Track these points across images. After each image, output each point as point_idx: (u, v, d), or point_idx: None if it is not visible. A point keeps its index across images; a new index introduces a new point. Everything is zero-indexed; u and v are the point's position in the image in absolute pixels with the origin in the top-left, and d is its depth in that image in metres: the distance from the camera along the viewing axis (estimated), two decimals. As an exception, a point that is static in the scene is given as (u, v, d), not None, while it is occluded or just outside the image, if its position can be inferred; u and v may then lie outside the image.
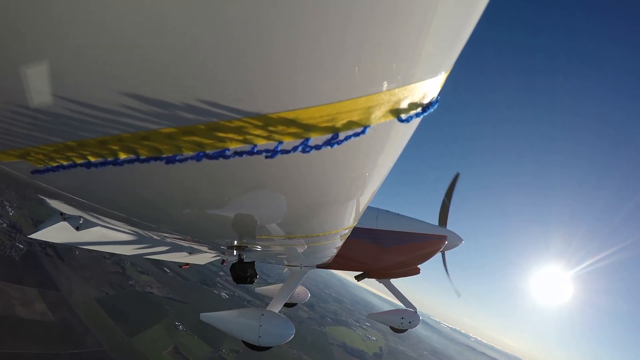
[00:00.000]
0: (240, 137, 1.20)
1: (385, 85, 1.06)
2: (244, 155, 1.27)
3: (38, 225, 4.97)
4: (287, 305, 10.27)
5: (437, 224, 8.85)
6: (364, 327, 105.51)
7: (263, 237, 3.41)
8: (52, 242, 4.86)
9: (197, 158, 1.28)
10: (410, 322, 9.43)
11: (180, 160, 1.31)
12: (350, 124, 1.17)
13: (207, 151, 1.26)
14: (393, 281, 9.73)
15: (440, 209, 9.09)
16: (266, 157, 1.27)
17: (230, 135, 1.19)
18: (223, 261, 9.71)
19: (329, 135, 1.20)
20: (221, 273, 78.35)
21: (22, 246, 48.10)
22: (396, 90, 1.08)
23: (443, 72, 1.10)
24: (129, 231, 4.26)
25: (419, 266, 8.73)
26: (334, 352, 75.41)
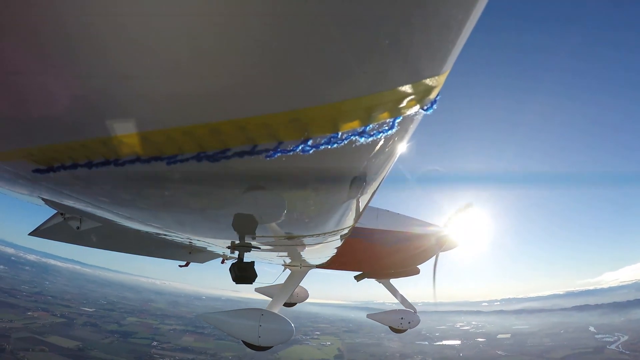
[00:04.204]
0: (241, 137, 1.20)
1: (385, 85, 1.07)
2: (244, 156, 1.27)
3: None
4: (286, 304, 10.22)
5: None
6: (315, 337, 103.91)
7: (263, 236, 3.43)
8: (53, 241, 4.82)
9: (198, 158, 1.29)
10: (409, 322, 9.47)
11: (181, 161, 1.31)
12: (350, 124, 1.17)
13: (208, 151, 1.26)
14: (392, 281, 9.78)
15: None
16: (266, 156, 1.27)
17: (230, 135, 1.20)
18: (223, 260, 9.68)
19: (329, 135, 1.20)
20: (154, 343, 78.06)
21: None
22: (395, 90, 1.08)
23: (443, 72, 1.10)
24: (130, 231, 4.25)
25: (418, 266, 8.77)
26: (296, 372, 74.12)
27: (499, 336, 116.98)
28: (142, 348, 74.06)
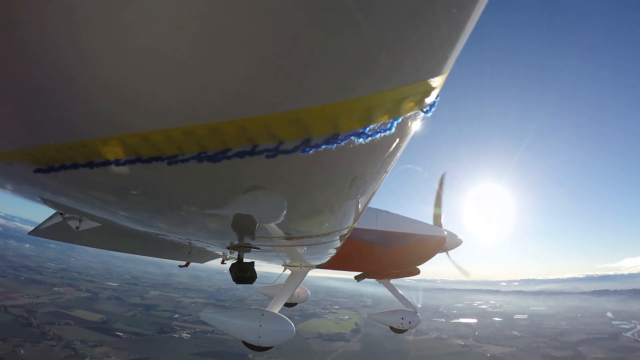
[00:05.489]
0: (241, 137, 1.19)
1: (385, 85, 1.05)
2: (244, 156, 1.27)
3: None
4: (287, 304, 10.33)
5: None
6: (333, 311, 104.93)
7: (263, 237, 3.41)
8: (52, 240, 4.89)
9: (198, 159, 1.28)
10: (410, 322, 9.48)
11: (182, 161, 1.31)
12: (350, 124, 1.16)
13: (208, 151, 1.26)
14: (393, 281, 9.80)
15: (434, 215, 9.25)
16: (267, 157, 1.27)
17: (230, 135, 1.19)
18: (223, 261, 9.78)
19: (329, 135, 1.19)
20: (175, 316, 79.67)
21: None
22: (395, 91, 1.07)
23: (442, 73, 1.08)
24: (130, 231, 4.28)
25: (418, 267, 8.81)
26: (313, 345, 74.78)
27: (516, 316, 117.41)
28: (163, 320, 76.51)
